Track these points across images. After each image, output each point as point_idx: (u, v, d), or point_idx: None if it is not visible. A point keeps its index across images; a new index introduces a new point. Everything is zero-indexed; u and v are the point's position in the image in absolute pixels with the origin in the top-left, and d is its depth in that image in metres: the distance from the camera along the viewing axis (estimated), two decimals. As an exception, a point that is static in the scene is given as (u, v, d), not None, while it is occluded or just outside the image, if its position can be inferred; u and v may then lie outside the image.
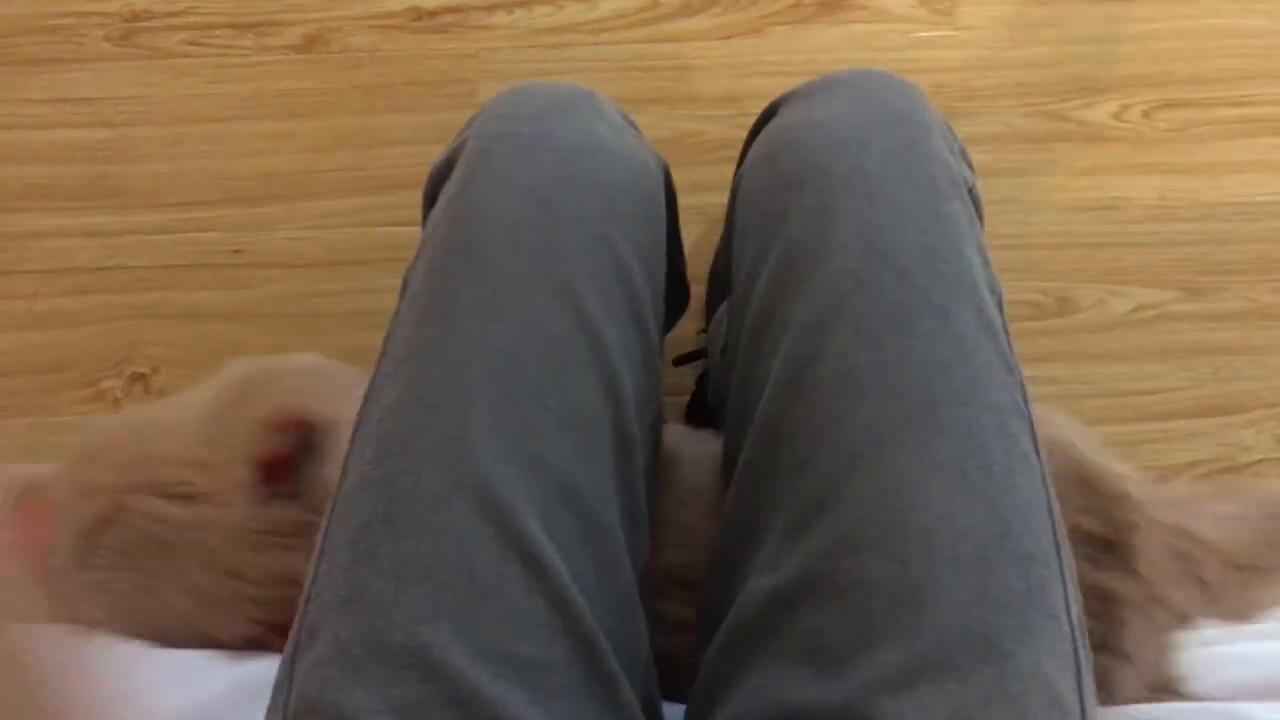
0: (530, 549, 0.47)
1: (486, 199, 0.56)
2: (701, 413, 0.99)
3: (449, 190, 0.58)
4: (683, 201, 0.72)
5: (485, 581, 0.46)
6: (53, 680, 0.59)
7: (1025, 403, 0.51)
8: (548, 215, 0.55)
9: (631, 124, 0.67)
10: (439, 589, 0.45)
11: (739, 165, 0.66)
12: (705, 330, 1.02)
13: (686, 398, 1.04)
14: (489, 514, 0.47)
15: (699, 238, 1.10)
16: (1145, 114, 1.11)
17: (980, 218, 0.58)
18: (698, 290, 1.07)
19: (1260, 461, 1.08)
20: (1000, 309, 0.53)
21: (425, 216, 0.61)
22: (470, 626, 0.45)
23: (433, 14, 1.13)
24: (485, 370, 0.51)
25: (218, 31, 1.14)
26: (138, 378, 1.10)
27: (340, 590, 0.46)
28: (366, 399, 0.53)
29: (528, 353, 0.52)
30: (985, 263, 0.55)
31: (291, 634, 0.48)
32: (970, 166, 0.61)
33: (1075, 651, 0.45)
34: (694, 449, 0.67)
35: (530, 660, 0.46)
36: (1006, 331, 0.53)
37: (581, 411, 0.52)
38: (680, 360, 1.00)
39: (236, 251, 1.12)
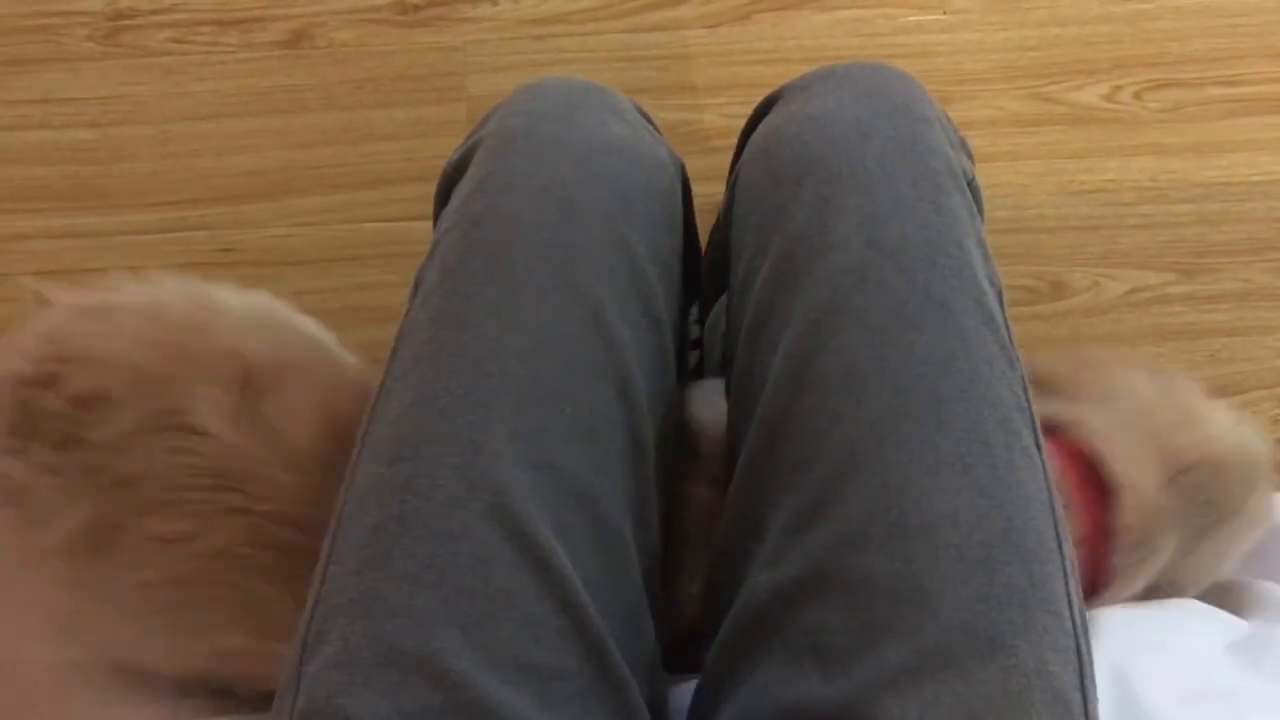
0: (542, 555, 0.47)
1: (503, 199, 0.55)
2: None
3: (464, 189, 0.57)
4: (676, 192, 0.72)
5: (499, 587, 0.46)
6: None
7: (1026, 396, 0.50)
8: (565, 216, 0.55)
9: (647, 118, 0.66)
10: (452, 594, 0.45)
11: (735, 160, 0.65)
12: (702, 320, 1.02)
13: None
14: (502, 519, 0.47)
15: (692, 228, 1.10)
16: (1137, 95, 1.11)
17: (980, 210, 0.58)
18: (692, 281, 1.07)
19: (1257, 443, 1.08)
20: (1000, 302, 0.53)
21: (437, 215, 0.60)
22: (481, 633, 0.45)
23: (418, 7, 1.13)
24: (500, 374, 0.50)
25: (202, 29, 1.13)
26: (129, 379, 1.10)
27: (350, 593, 0.46)
28: (377, 399, 0.52)
29: (544, 357, 0.51)
30: (985, 256, 0.54)
31: (298, 636, 0.47)
32: (970, 157, 0.61)
33: (1078, 647, 0.45)
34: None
35: (540, 666, 0.46)
36: (1007, 325, 0.52)
37: (596, 417, 0.52)
38: (675, 351, 0.99)
39: (225, 250, 1.11)
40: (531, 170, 0.56)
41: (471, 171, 0.58)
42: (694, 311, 1.07)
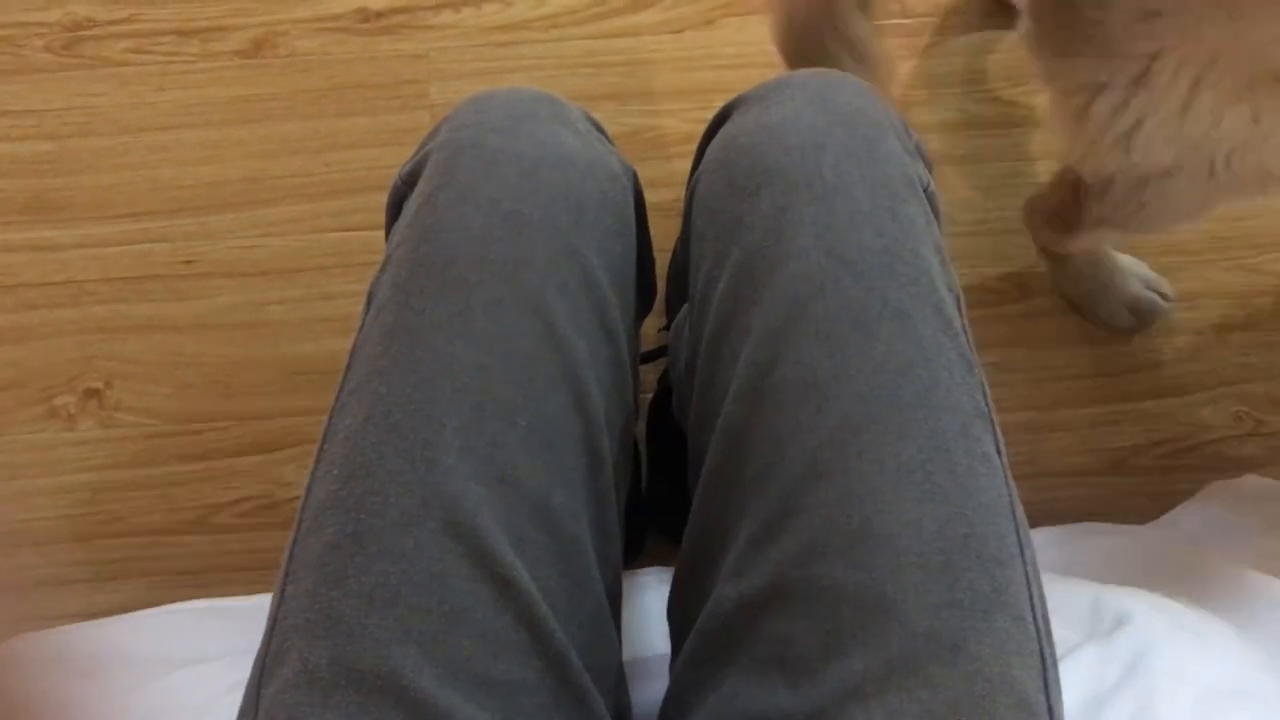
0: (500, 569, 0.47)
1: (452, 213, 0.55)
2: (665, 410, 0.98)
3: (413, 204, 0.57)
4: (640, 199, 0.72)
5: (456, 603, 0.46)
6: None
7: (986, 402, 0.51)
8: (515, 229, 0.54)
9: (598, 128, 0.66)
10: (409, 611, 0.45)
11: (693, 170, 0.65)
12: (667, 328, 1.02)
13: (649, 395, 1.04)
14: (458, 534, 0.47)
15: (656, 234, 1.09)
16: (1096, 96, 1.12)
17: (938, 216, 0.58)
18: (659, 288, 1.07)
19: (1220, 440, 1.08)
20: (959, 308, 0.53)
21: (389, 228, 0.60)
22: (441, 649, 0.45)
23: (380, 15, 1.12)
24: (453, 388, 0.50)
25: (162, 38, 1.12)
26: (91, 393, 1.08)
27: (307, 613, 0.46)
28: (332, 415, 0.52)
29: (496, 369, 0.51)
30: (943, 263, 0.55)
31: (256, 658, 0.47)
32: (926, 164, 0.61)
33: (1041, 652, 0.45)
34: None
35: (501, 681, 0.45)
36: (966, 331, 0.53)
37: (551, 428, 0.52)
38: (642, 358, 0.99)
39: (188, 262, 1.10)
40: (480, 183, 0.56)
41: (420, 186, 0.58)
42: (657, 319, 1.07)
